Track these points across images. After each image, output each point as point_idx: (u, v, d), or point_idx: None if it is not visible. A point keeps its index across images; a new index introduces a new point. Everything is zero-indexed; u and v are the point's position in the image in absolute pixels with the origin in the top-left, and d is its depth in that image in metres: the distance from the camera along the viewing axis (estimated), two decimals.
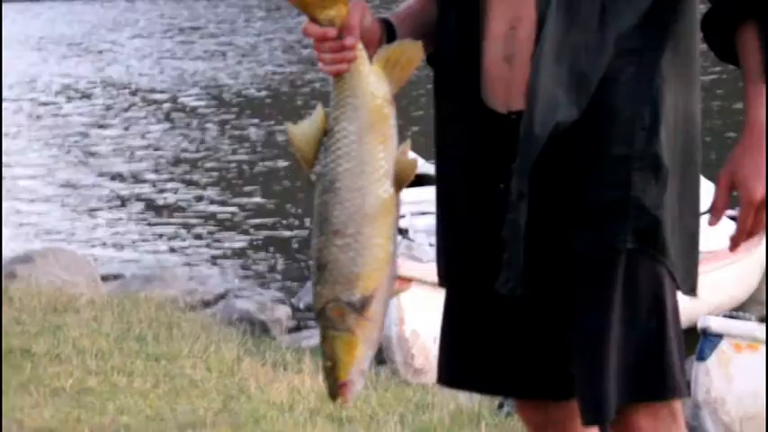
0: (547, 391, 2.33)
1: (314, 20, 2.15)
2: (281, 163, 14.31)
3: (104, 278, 9.22)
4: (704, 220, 2.26)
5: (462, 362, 2.36)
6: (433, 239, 2.46)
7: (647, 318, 2.20)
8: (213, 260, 10.50)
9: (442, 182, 2.37)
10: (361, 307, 2.13)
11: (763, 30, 2.14)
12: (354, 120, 2.14)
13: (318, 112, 2.16)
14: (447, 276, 2.38)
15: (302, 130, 2.17)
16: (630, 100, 2.18)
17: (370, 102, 2.15)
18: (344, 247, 2.12)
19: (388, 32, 2.25)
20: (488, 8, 2.25)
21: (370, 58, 2.17)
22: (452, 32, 2.28)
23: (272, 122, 17.21)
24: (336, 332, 2.13)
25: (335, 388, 2.15)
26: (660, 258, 2.20)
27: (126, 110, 19.70)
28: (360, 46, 2.15)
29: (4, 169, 12.20)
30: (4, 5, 25.27)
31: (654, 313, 2.20)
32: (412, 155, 2.20)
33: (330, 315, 2.14)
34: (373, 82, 2.16)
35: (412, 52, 2.18)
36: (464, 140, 2.28)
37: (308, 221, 11.09)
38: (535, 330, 2.28)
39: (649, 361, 2.21)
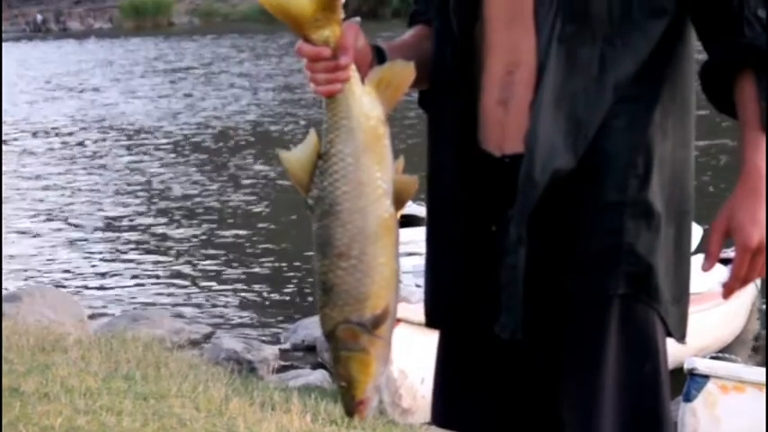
0: None
1: (307, 40, 2.13)
2: (268, 201, 14.32)
3: (91, 317, 9.22)
4: (694, 261, 2.28)
5: (456, 403, 2.36)
6: (420, 280, 2.45)
7: (641, 365, 2.21)
8: (200, 299, 10.48)
9: (432, 221, 2.37)
10: (372, 326, 2.12)
11: (760, 79, 2.15)
12: (350, 141, 2.12)
13: (312, 137, 2.14)
14: (434, 317, 2.38)
15: (296, 156, 2.15)
16: (625, 147, 2.18)
17: (364, 123, 2.13)
18: (350, 268, 2.11)
19: (379, 57, 2.25)
20: (486, 50, 2.26)
21: (362, 79, 2.16)
22: (448, 73, 2.29)
23: (259, 160, 17.24)
24: (349, 353, 2.13)
25: (353, 406, 2.16)
26: (653, 304, 2.21)
27: (111, 148, 19.70)
28: (353, 67, 2.14)
29: None
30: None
31: (648, 360, 2.21)
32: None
33: (341, 336, 2.13)
34: (367, 103, 2.14)
35: (404, 73, 2.17)
36: (457, 181, 2.28)
37: (295, 261, 11.09)
38: (528, 373, 2.28)
39: (646, 408, 2.21)
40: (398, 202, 2.15)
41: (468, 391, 2.34)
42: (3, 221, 12.21)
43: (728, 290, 2.22)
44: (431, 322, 2.39)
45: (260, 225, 13.11)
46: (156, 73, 31.93)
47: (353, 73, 2.14)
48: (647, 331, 2.21)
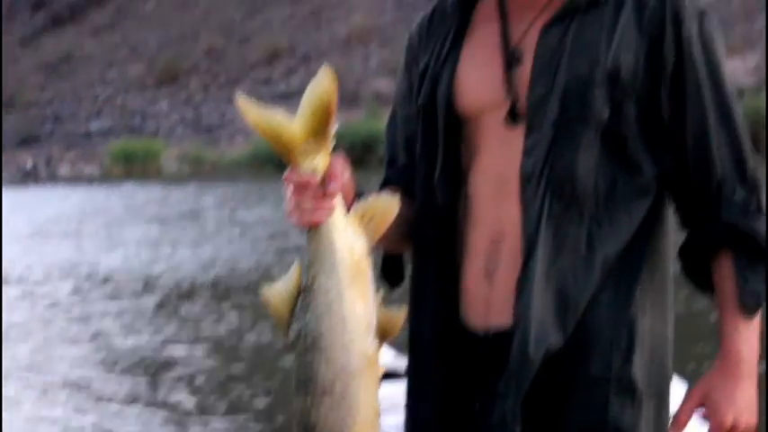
0: None
1: (295, 167, 2.09)
2: (247, 358, 14.13)
3: None
4: None
5: None
6: None
7: None
8: None
9: (412, 392, 2.35)
10: None
11: (738, 259, 2.19)
12: (334, 275, 2.08)
13: (294, 270, 2.11)
14: None
15: (278, 291, 2.13)
16: (609, 322, 2.18)
17: (348, 257, 2.09)
18: (334, 406, 2.04)
19: (358, 195, 2.23)
20: (469, 224, 2.25)
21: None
22: (431, 246, 2.27)
23: (246, 309, 17.10)
24: None
25: None
26: None
27: (90, 298, 19.63)
28: (339, 197, 2.10)
29: None
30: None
31: None
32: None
33: None
34: (351, 235, 2.10)
35: (389, 207, 2.15)
36: (437, 358, 2.26)
37: (269, 422, 10.86)
38: None
39: None
40: (383, 336, 2.11)
41: None
42: None
43: None
44: None
45: (239, 383, 12.92)
46: (141, 220, 32.10)
47: (339, 203, 2.11)
48: None
